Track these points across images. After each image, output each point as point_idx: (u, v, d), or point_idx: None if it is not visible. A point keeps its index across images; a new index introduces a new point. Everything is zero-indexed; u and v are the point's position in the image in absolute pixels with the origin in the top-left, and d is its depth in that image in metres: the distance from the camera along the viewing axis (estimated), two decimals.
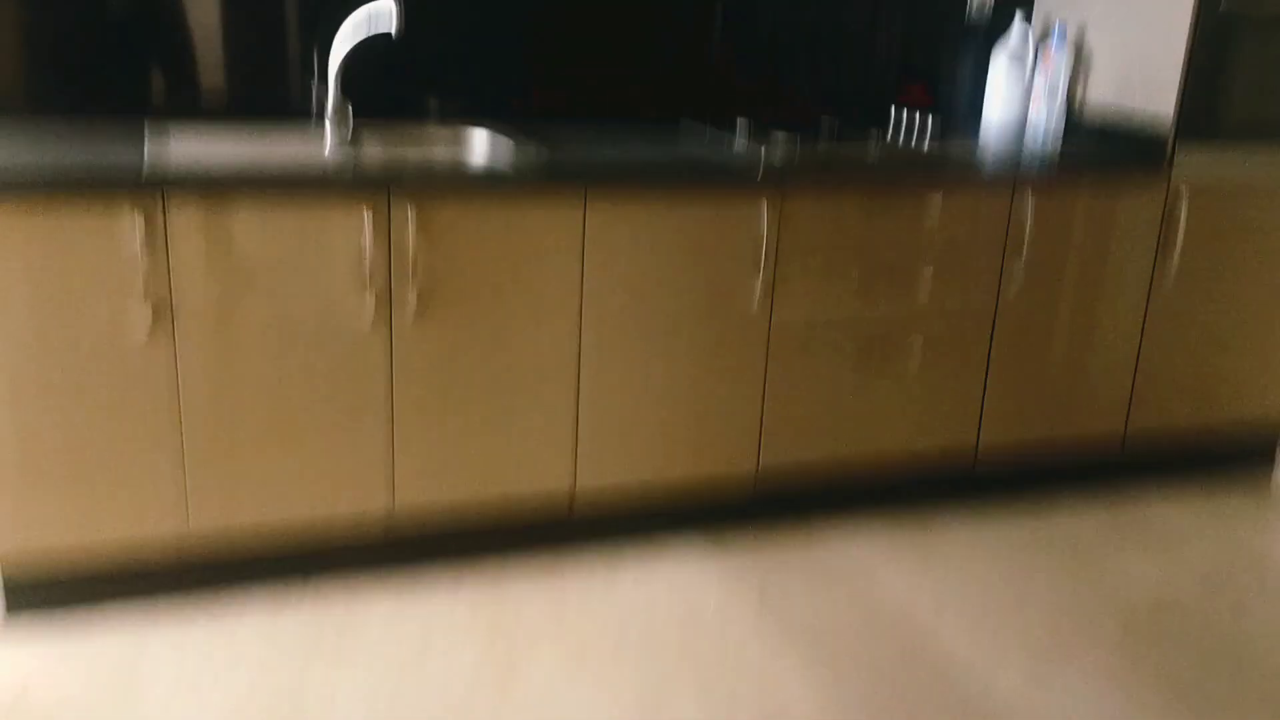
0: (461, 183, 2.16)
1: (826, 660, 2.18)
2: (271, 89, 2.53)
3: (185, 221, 2.00)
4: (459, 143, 2.56)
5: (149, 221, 1.98)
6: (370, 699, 2.00)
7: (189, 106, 2.49)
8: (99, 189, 1.95)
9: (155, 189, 1.97)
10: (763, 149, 2.44)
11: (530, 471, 2.38)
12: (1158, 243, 2.71)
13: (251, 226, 2.04)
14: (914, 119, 2.81)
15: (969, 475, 2.80)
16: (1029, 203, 2.55)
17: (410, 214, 2.12)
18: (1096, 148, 2.74)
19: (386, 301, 2.17)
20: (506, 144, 2.46)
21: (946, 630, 2.30)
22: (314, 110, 2.47)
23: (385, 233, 2.12)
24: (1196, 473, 3.04)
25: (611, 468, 2.44)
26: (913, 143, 2.59)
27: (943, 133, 2.70)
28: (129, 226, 1.97)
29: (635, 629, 2.25)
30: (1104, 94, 2.83)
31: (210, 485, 2.17)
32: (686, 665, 2.14)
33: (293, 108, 2.53)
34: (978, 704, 2.07)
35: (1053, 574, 2.54)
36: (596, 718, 1.99)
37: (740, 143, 2.52)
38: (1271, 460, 3.12)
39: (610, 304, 2.33)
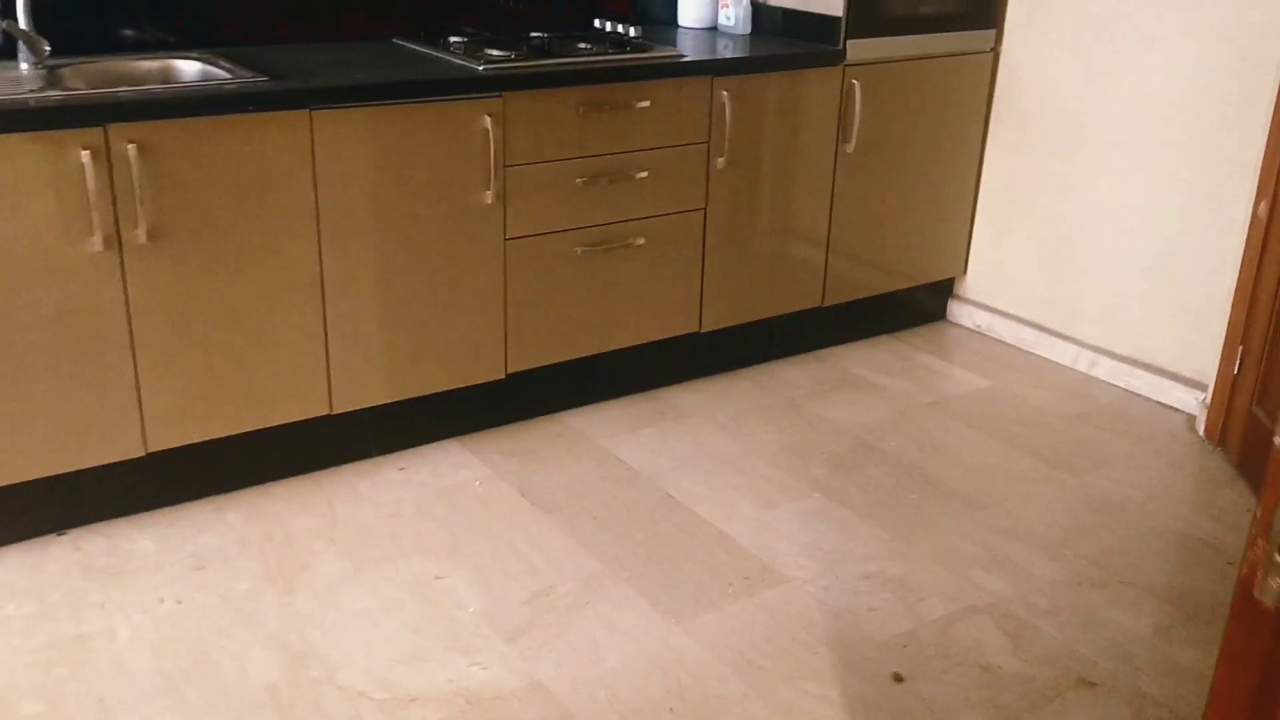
0: (182, 110, 2.15)
1: (587, 523, 2.41)
2: None
3: None
4: (169, 73, 2.52)
5: None
6: (148, 630, 2.05)
7: None
8: None
9: None
10: (480, 62, 2.56)
11: (284, 395, 2.44)
12: (839, 125, 3.05)
13: None
14: (615, 29, 3.00)
15: (694, 351, 3.09)
16: (727, 99, 2.81)
17: (130, 146, 2.10)
18: (781, 45, 3.03)
19: (116, 239, 2.14)
20: (219, 71, 2.44)
21: (687, 484, 2.58)
22: (5, 50, 2.35)
23: (106, 168, 2.09)
24: (885, 325, 3.49)
25: (365, 383, 2.54)
26: (618, 50, 2.77)
27: (643, 40, 2.91)
28: None
29: (405, 523, 2.39)
30: None
31: None
32: (459, 547, 2.31)
33: None
34: (718, 544, 2.37)
35: (772, 424, 2.88)
36: (380, 613, 2.13)
37: (456, 57, 2.62)
38: (945, 310, 3.62)
39: (347, 223, 2.40)
